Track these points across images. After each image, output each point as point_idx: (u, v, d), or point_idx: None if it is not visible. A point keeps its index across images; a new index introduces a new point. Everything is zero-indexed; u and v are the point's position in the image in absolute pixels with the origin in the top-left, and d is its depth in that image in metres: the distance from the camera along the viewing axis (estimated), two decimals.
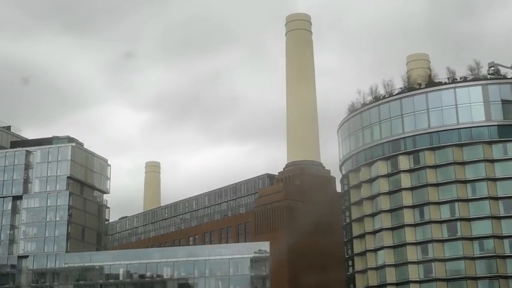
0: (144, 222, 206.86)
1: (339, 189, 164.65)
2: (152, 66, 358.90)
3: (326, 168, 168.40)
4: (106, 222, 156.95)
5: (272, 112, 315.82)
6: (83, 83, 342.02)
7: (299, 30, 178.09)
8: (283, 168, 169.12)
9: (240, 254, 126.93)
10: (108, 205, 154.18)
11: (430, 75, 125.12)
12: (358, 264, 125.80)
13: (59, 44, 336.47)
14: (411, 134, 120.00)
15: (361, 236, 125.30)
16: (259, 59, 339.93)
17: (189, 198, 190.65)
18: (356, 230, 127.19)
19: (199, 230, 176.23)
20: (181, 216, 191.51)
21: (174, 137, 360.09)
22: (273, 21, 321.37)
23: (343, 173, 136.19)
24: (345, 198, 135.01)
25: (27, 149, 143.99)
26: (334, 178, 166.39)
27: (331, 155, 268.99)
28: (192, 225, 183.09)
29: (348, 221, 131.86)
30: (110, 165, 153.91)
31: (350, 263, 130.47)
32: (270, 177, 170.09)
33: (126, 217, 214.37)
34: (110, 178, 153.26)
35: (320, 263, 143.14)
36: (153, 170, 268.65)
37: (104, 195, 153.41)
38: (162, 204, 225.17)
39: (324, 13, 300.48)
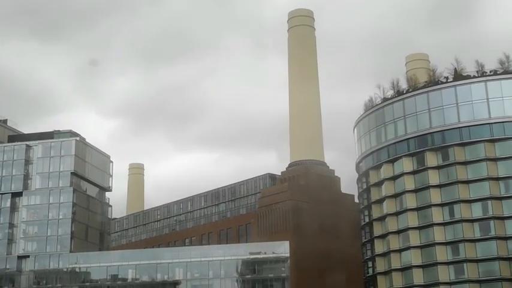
0: (135, 224, 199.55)
1: (343, 189, 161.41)
2: (120, 73, 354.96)
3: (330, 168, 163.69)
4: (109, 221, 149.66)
5: (241, 119, 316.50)
6: (51, 88, 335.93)
7: (301, 26, 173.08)
8: (286, 168, 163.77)
9: (257, 254, 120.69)
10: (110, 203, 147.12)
11: (455, 69, 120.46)
12: (381, 265, 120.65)
13: (26, 49, 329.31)
14: (439, 129, 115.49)
15: (384, 236, 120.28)
16: (227, 66, 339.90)
17: (184, 199, 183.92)
18: (378, 229, 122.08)
19: (196, 232, 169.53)
20: (175, 218, 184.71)
21: (142, 144, 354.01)
22: (239, 28, 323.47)
23: (361, 171, 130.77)
24: (363, 197, 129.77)
25: (28, 143, 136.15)
26: (339, 178, 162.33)
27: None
28: (188, 227, 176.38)
29: (367, 220, 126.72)
30: (112, 162, 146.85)
31: (370, 264, 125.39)
32: (272, 177, 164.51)
33: (115, 219, 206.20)
34: (112, 175, 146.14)
35: (328, 264, 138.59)
36: (137, 172, 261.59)
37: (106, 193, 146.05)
38: (145, 207, 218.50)
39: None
